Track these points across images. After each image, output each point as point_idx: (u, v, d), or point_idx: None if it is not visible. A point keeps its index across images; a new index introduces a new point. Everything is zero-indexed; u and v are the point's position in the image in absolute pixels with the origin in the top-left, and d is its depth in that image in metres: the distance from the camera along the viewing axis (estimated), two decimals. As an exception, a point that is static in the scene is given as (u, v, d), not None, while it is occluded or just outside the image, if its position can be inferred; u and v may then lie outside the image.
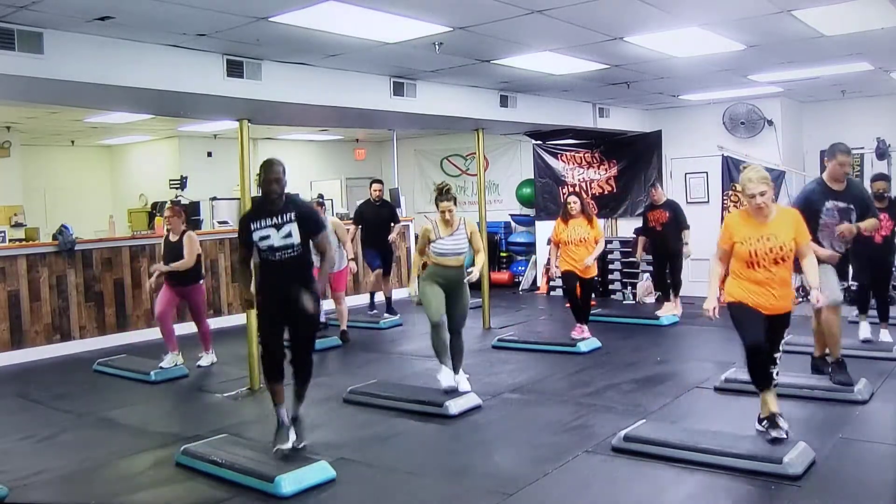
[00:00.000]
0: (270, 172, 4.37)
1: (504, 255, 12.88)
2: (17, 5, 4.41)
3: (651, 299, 10.16)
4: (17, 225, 11.11)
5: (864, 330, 6.94)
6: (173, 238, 6.87)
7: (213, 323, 9.14)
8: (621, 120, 10.40)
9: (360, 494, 4.05)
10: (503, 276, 12.44)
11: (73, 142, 12.86)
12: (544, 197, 11.84)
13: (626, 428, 4.54)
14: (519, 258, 12.73)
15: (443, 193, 5.59)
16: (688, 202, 10.23)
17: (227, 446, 4.55)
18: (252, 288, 4.72)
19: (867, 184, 7.31)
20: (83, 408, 5.90)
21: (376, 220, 9.14)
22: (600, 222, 8.35)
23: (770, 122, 9.96)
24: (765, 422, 4.37)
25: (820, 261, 5.12)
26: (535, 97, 8.94)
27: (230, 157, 9.79)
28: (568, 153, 11.56)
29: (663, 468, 4.14)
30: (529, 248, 12.39)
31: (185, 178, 11.80)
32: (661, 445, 4.29)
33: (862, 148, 9.90)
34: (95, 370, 7.11)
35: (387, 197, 10.09)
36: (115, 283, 8.47)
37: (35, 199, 12.28)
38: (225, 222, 11.17)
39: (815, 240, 5.24)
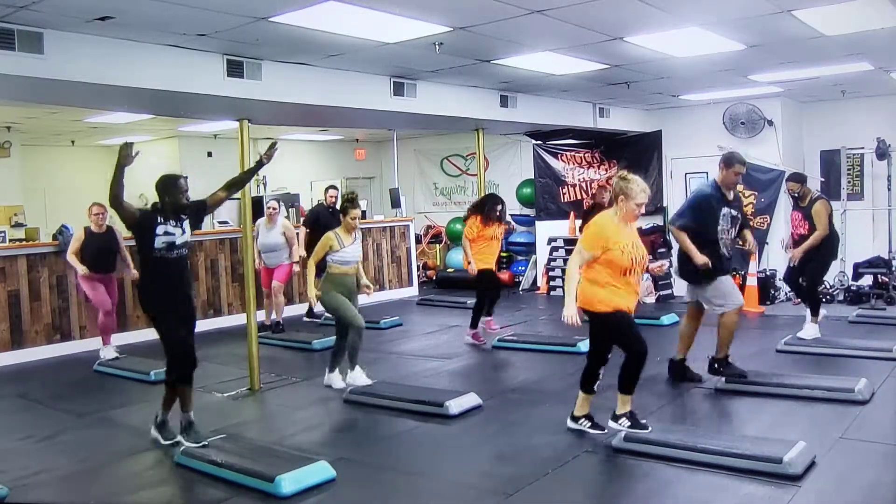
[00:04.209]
0: (184, 186, 5.08)
1: (504, 255, 12.87)
2: (17, 5, 4.41)
3: (651, 299, 10.17)
4: (17, 225, 11.11)
5: (809, 331, 6.95)
6: (97, 231, 7.36)
7: (213, 323, 9.18)
8: (621, 120, 10.40)
9: (360, 494, 4.05)
10: (503, 276, 12.39)
11: (73, 142, 12.84)
12: (544, 197, 11.84)
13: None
14: (519, 258, 12.72)
15: (354, 202, 5.92)
16: (688, 202, 10.24)
17: (227, 446, 4.56)
18: None
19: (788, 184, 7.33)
20: (83, 408, 5.90)
21: (329, 225, 8.89)
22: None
23: (770, 122, 9.96)
24: (584, 420, 4.72)
25: (697, 268, 5.44)
26: (535, 97, 8.94)
27: (230, 157, 9.72)
28: (568, 153, 11.56)
29: (663, 468, 4.14)
30: (529, 248, 12.38)
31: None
32: (661, 445, 4.29)
33: (862, 148, 9.90)
34: (95, 370, 7.12)
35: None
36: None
37: (35, 199, 12.26)
38: (225, 222, 11.20)
39: (715, 240, 5.46)
